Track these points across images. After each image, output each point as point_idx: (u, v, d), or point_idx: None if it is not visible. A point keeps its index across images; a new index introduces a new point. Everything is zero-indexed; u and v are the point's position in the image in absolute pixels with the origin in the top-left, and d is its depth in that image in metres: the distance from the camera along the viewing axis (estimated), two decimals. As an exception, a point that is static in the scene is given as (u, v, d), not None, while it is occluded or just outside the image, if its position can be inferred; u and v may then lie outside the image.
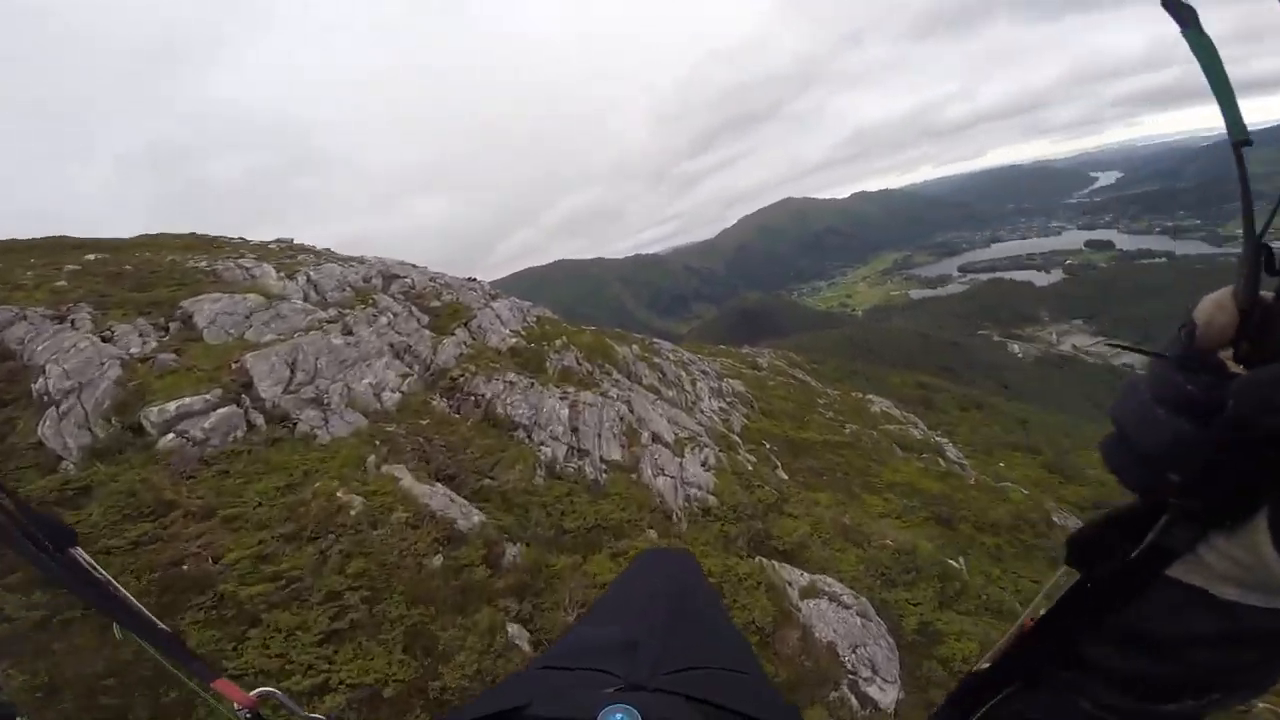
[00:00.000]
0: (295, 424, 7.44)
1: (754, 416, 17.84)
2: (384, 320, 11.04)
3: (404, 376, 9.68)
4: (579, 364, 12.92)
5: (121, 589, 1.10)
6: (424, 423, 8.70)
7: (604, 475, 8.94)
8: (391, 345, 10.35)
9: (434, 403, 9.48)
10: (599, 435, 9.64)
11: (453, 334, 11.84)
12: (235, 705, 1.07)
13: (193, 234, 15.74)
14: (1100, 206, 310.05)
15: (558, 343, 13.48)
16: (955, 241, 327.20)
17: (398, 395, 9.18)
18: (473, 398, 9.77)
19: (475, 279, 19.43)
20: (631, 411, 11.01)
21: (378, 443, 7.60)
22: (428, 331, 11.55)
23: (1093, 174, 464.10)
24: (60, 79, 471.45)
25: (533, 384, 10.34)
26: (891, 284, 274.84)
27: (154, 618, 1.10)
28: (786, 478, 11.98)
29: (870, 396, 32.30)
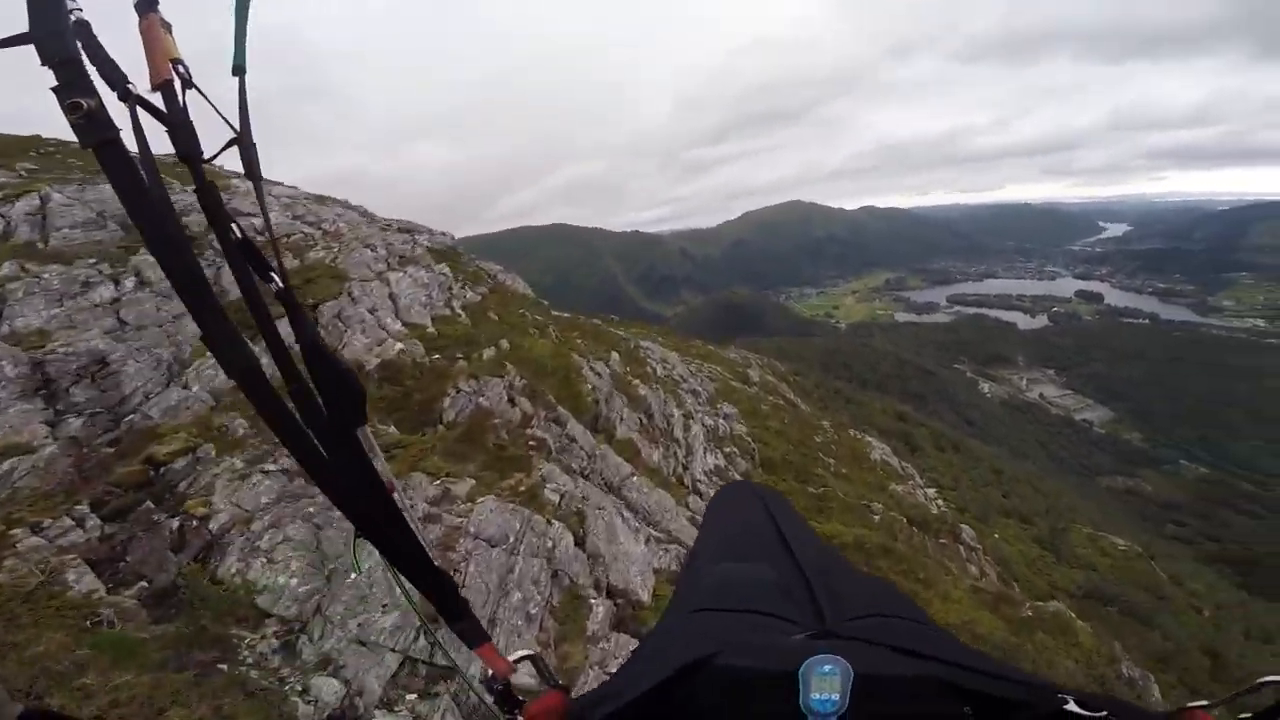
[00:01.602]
0: None
1: (756, 473, 17.31)
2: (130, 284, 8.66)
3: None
4: (511, 402, 10.16)
5: (403, 499, 1.00)
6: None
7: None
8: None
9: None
10: (496, 608, 5.86)
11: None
12: (491, 674, 0.88)
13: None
14: (1100, 257, 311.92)
15: (487, 353, 11.33)
16: (950, 270, 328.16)
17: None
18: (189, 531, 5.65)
19: (406, 223, 17.72)
20: (580, 542, 7.57)
21: None
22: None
23: (1102, 223, 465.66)
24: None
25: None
26: (879, 302, 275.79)
27: (431, 555, 0.90)
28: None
29: (868, 439, 32.31)
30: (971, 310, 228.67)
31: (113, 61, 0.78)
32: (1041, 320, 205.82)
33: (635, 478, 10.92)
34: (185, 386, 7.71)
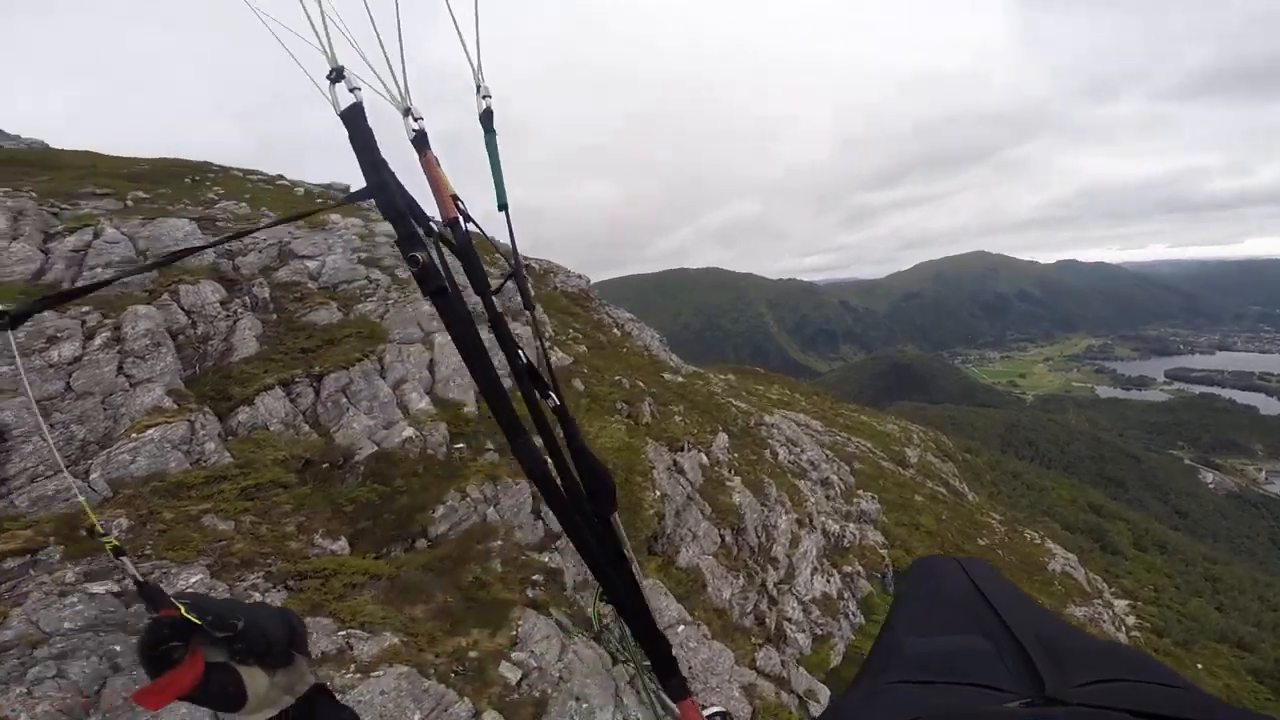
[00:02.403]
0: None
1: (883, 600, 13.74)
2: None
3: None
4: (536, 513, 7.95)
5: (638, 570, 1.14)
6: None
7: None
8: None
9: None
10: None
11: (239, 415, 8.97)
12: None
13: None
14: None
15: None
16: (1170, 339, 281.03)
17: None
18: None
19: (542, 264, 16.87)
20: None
21: None
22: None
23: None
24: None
25: None
26: (1077, 372, 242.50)
27: (660, 630, 1.11)
28: None
29: (1048, 543, 26.46)
30: (1198, 389, 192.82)
31: (415, 202, 0.99)
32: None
33: (685, 626, 7.86)
34: (85, 475, 6.04)
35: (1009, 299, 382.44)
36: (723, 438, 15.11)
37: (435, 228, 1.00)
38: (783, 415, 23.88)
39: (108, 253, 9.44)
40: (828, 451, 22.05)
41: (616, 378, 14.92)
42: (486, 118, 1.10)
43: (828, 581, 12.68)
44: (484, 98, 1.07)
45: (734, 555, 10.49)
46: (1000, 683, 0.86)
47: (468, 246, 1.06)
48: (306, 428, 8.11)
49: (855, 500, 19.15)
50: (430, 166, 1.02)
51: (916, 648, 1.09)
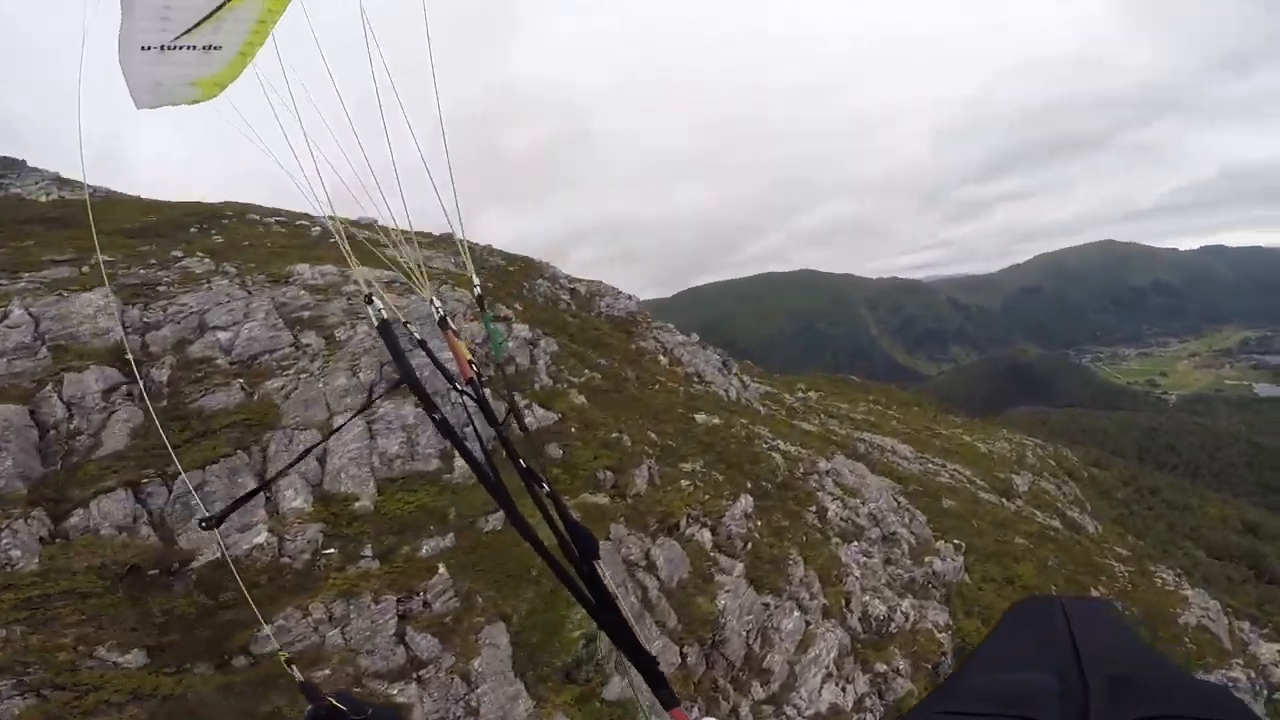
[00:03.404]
0: None
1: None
2: None
3: None
4: (401, 640, 6.72)
5: (624, 607, 1.47)
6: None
7: None
8: None
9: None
10: None
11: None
12: None
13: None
14: None
15: (431, 545, 7.51)
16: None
17: None
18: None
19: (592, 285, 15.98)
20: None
21: None
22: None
23: None
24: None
25: None
26: (1230, 369, 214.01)
27: (642, 637, 2.26)
28: None
29: (1183, 588, 21.97)
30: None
31: (445, 367, 1.64)
32: None
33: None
34: None
35: (1144, 291, 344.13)
36: (745, 501, 12.91)
37: (457, 385, 1.67)
38: (845, 458, 20.91)
39: (5, 339, 8.80)
40: (901, 498, 18.97)
41: (615, 434, 13.11)
42: (480, 300, 2.19)
43: (844, 689, 10.24)
44: (476, 286, 2.13)
45: (695, 678, 8.38)
46: (1049, 716, 0.86)
47: (483, 400, 1.65)
48: (147, 530, 7.07)
49: (928, 560, 16.21)
50: (451, 341, 1.64)
51: (978, 681, 1.11)
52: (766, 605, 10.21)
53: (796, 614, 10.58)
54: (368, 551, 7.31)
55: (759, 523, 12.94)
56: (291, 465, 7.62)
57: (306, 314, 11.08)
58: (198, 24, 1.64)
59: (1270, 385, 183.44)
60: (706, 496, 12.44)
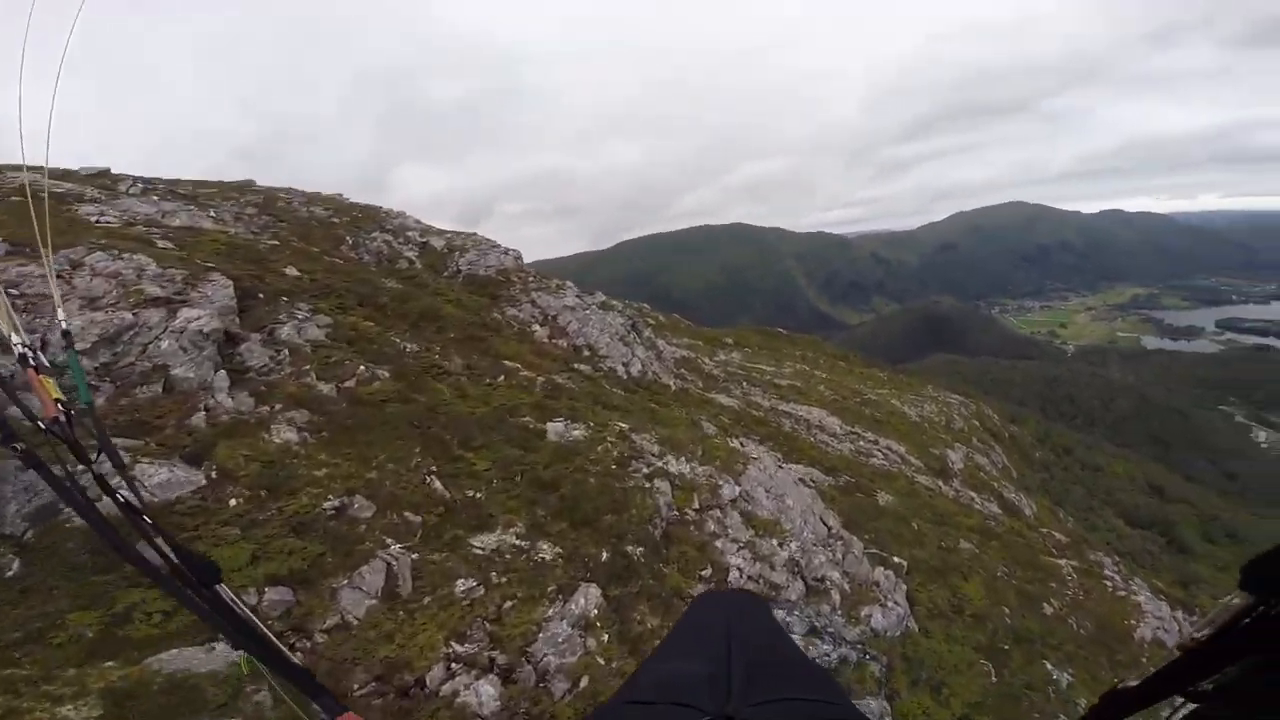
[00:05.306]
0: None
1: None
2: None
3: None
4: None
5: (260, 624, 1.37)
6: None
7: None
8: None
9: None
10: None
11: None
12: None
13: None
14: None
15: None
16: (1222, 289, 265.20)
17: None
18: None
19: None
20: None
21: None
22: None
23: None
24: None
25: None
26: (1122, 322, 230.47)
27: (287, 651, 1.27)
28: None
29: (1134, 591, 20.69)
30: (1250, 340, 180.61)
31: (25, 404, 1.54)
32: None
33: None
34: None
35: (1049, 249, 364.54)
36: (585, 598, 5.20)
37: (42, 425, 1.49)
38: (761, 467, 17.81)
39: None
40: (831, 513, 15.51)
41: (336, 500, 9.01)
42: (66, 335, 2.07)
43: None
44: (62, 321, 2.00)
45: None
46: (702, 703, 0.96)
47: (71, 437, 1.51)
48: None
49: (865, 612, 13.14)
50: (33, 380, 1.53)
51: (652, 672, 1.27)
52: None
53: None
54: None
55: (606, 636, 5.98)
56: None
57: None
58: None
59: (1155, 338, 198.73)
60: (508, 604, 5.54)
